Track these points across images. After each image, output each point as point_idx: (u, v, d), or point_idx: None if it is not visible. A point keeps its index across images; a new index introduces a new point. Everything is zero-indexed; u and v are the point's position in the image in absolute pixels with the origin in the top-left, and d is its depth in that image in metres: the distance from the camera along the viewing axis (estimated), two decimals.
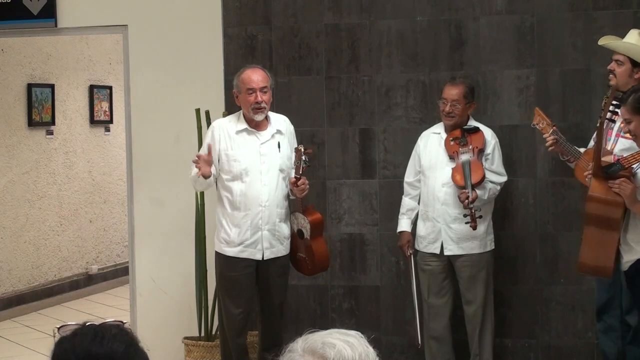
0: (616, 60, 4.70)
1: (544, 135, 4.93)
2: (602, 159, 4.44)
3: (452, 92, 5.23)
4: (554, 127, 4.91)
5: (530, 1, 5.61)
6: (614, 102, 4.39)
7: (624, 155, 4.39)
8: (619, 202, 4.29)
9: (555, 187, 5.59)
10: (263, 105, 4.96)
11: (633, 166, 4.32)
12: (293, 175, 4.96)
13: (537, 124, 5.00)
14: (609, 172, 4.32)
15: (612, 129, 4.66)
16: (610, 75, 4.71)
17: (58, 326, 1.95)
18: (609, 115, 4.41)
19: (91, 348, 1.80)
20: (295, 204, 5.10)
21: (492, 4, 5.65)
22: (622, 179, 4.26)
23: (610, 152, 4.58)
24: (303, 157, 4.88)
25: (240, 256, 4.98)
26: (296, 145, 5.02)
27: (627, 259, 4.34)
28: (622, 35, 4.92)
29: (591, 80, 5.53)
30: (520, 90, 5.63)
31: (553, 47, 5.59)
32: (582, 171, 4.71)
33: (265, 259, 4.99)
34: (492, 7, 5.66)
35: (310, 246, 5.04)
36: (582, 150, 4.85)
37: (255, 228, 4.96)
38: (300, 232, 5.06)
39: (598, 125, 4.47)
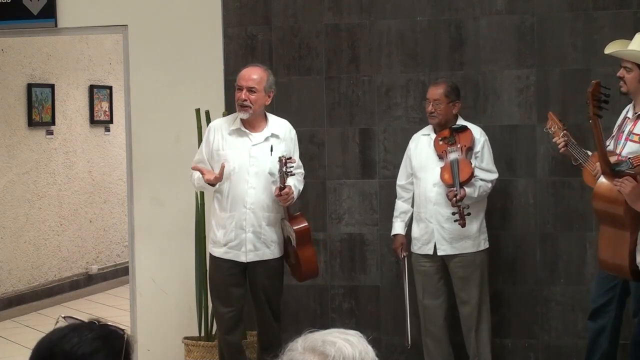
0: (625, 67, 4.68)
1: (554, 139, 4.90)
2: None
3: (434, 92, 5.26)
4: (565, 131, 4.89)
5: (530, 1, 5.61)
6: (595, 99, 4.38)
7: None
8: (620, 200, 4.28)
9: (555, 187, 5.59)
10: (246, 104, 4.90)
11: None
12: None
13: (549, 128, 4.97)
14: (616, 170, 4.32)
15: (623, 132, 4.65)
16: (621, 82, 4.68)
17: (64, 315, 1.94)
18: (595, 110, 4.39)
19: (55, 344, 1.81)
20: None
21: (492, 4, 5.66)
22: (625, 177, 4.26)
23: (618, 156, 4.55)
24: (283, 168, 4.81)
25: (225, 257, 4.97)
26: (282, 155, 4.89)
27: (638, 260, 4.33)
28: (623, 36, 4.91)
29: (591, 80, 5.49)
30: (520, 90, 5.63)
31: (553, 47, 5.60)
32: (589, 174, 4.69)
33: (248, 261, 4.96)
34: (492, 7, 5.66)
35: (297, 254, 5.01)
36: (590, 153, 4.83)
37: (240, 230, 4.93)
38: (289, 240, 5.05)
39: (590, 122, 4.44)
